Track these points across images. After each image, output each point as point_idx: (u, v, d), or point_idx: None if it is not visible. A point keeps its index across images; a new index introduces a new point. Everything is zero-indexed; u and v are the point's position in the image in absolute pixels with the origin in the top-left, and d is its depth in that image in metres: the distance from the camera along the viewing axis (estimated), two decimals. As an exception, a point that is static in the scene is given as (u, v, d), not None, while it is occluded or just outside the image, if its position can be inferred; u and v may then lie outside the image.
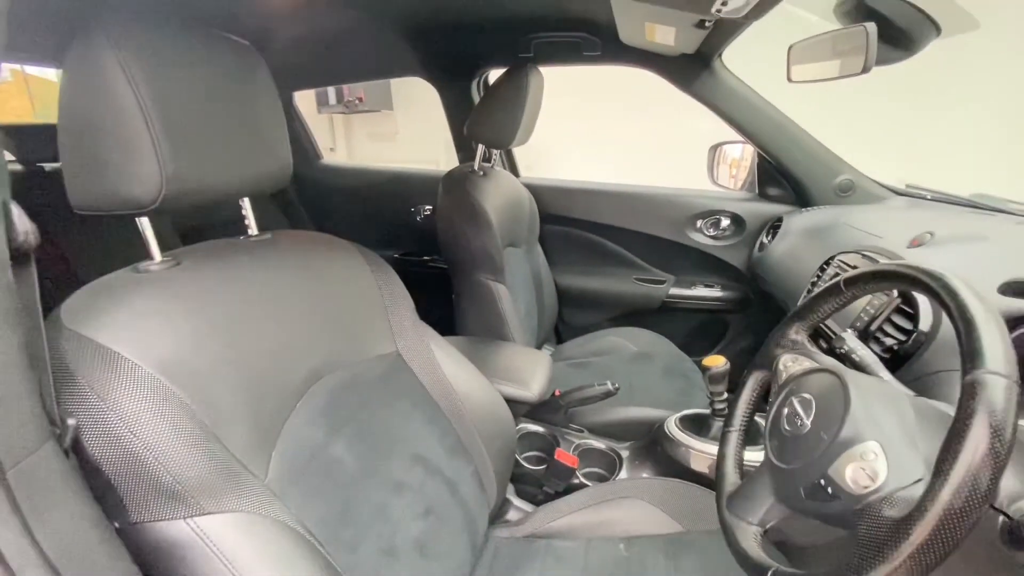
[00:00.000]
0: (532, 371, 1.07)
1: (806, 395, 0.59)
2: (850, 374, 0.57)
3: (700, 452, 0.97)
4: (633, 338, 1.63)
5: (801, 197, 1.51)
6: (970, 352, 0.42)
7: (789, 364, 0.69)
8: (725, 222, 1.64)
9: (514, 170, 1.89)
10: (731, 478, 0.70)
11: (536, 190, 1.67)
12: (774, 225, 1.51)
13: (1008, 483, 0.49)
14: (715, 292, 1.69)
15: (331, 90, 3.86)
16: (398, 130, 4.25)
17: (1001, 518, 0.48)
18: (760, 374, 0.75)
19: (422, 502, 0.75)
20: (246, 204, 0.71)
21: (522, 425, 1.14)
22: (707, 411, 1.05)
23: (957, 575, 0.51)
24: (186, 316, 0.53)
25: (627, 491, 0.94)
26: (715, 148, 1.71)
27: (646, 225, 1.69)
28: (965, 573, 0.51)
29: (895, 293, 0.85)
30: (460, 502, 0.83)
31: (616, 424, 1.17)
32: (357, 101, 3.92)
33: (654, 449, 1.05)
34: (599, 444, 1.11)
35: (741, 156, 1.65)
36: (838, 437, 0.51)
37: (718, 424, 1.00)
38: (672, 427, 1.03)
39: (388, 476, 0.72)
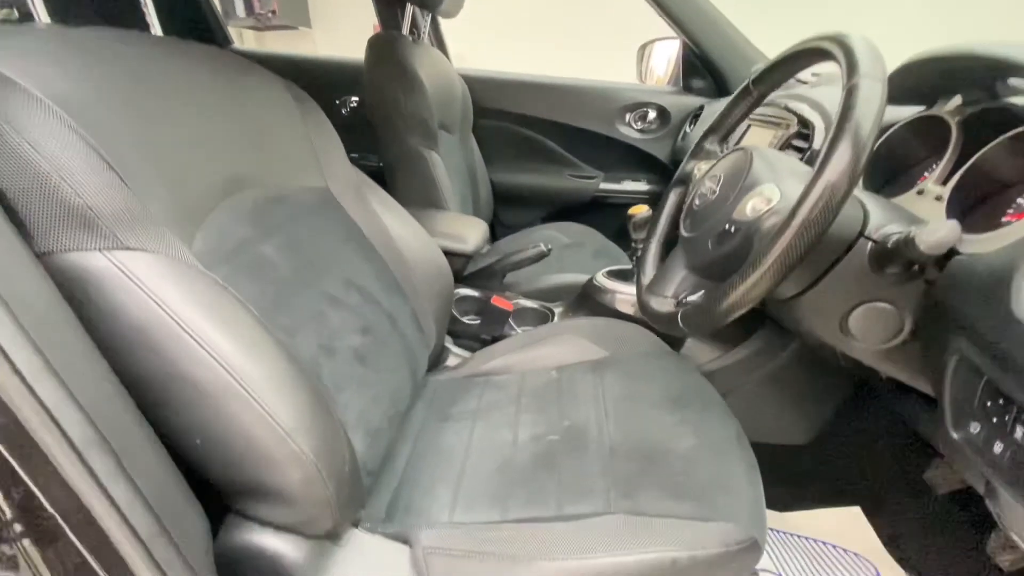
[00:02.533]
0: (468, 229, 1.08)
1: (715, 174, 0.65)
2: (755, 148, 0.63)
3: (626, 295, 1.04)
4: (565, 231, 1.68)
5: (721, 88, 1.58)
6: (848, 67, 0.47)
7: (703, 167, 0.74)
8: (651, 115, 1.70)
9: (445, 54, 1.83)
10: (650, 273, 0.76)
11: (469, 81, 1.64)
12: (695, 114, 1.59)
13: (876, 216, 0.57)
14: (641, 186, 1.77)
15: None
16: (317, 51, 3.95)
17: (870, 245, 0.56)
18: (680, 190, 0.81)
19: (360, 321, 0.76)
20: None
21: (458, 290, 1.16)
22: (631, 266, 1.12)
23: (838, 301, 0.60)
24: (86, 66, 0.49)
25: (559, 330, 0.99)
26: (644, 47, 1.74)
27: (577, 118, 1.72)
28: (845, 301, 0.59)
29: (793, 124, 0.93)
30: (400, 334, 0.85)
31: (549, 289, 1.23)
32: (270, 15, 3.58)
33: (584, 302, 1.11)
34: (532, 304, 1.16)
35: (667, 53, 1.70)
36: (741, 186, 0.57)
37: (642, 270, 1.07)
38: (600, 278, 1.09)
39: (322, 290, 0.71)
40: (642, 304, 0.71)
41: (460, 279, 1.19)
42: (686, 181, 0.79)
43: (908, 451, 0.97)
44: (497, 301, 1.03)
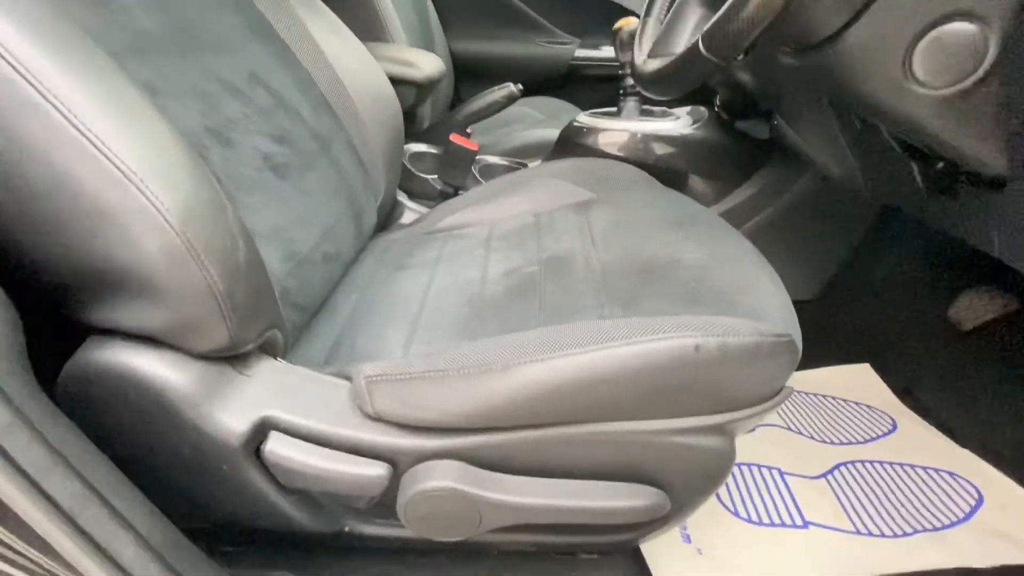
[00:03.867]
0: (418, 56, 0.89)
1: None
2: None
3: (614, 131, 0.88)
4: (538, 107, 1.49)
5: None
6: None
7: None
8: (633, -37, 1.47)
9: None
10: (647, 47, 0.60)
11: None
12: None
13: None
14: (622, 52, 1.56)
15: None
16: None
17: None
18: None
19: (271, 126, 0.58)
20: None
21: (410, 146, 0.98)
22: (615, 108, 0.96)
23: (902, 25, 0.44)
24: None
25: (534, 174, 0.83)
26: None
27: (548, -29, 1.49)
28: (911, 23, 0.44)
29: None
30: (333, 162, 0.67)
31: (521, 147, 1.06)
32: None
33: (564, 150, 0.95)
34: (502, 160, 0.99)
35: None
36: None
37: (630, 103, 0.91)
38: (582, 117, 0.92)
39: (210, 69, 0.53)
40: (640, 75, 0.55)
41: (412, 134, 1.01)
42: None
43: (929, 290, 0.87)
44: (458, 139, 0.86)
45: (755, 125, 0.90)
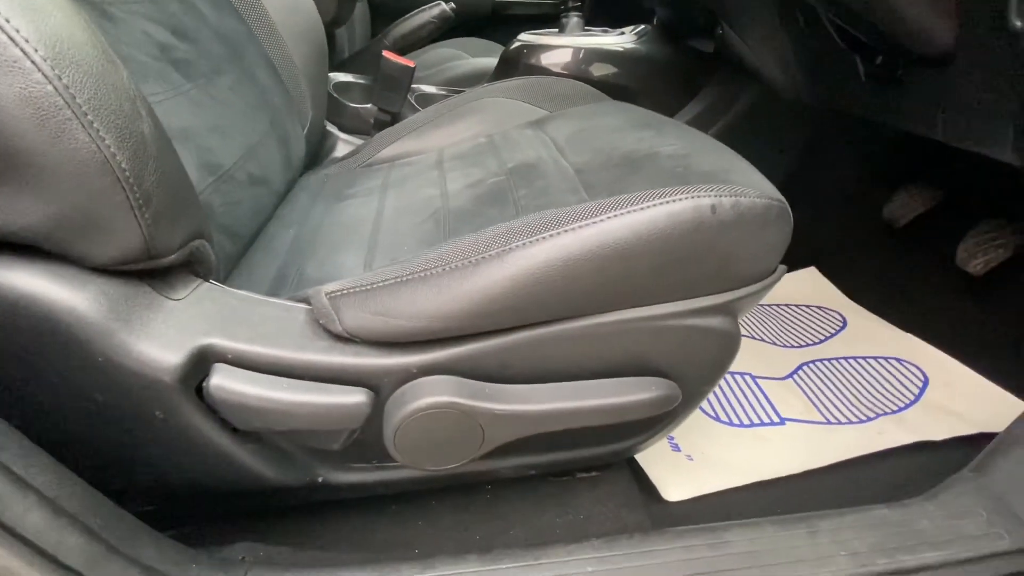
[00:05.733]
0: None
1: None
2: None
3: (556, 47, 0.83)
4: (465, 47, 1.40)
5: None
6: None
7: None
8: None
9: None
10: None
11: None
12: None
13: None
14: (549, -11, 1.51)
15: None
16: None
17: None
18: None
19: (163, 13, 0.47)
20: None
21: (332, 75, 0.87)
22: (556, 29, 0.90)
23: None
24: None
25: (480, 95, 0.76)
26: None
27: None
28: None
29: None
30: (248, 74, 0.57)
31: (460, 76, 0.98)
32: None
33: (507, 70, 0.88)
34: (440, 90, 0.90)
35: None
36: None
37: (573, 19, 0.86)
38: (524, 36, 0.86)
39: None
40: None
41: (333, 64, 0.90)
42: None
43: (864, 193, 0.91)
44: (392, 55, 0.76)
45: (699, 40, 0.88)
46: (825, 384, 0.73)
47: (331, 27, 0.83)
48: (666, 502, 0.54)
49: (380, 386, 0.37)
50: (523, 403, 0.38)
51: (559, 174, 0.52)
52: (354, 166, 0.73)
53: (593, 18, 0.87)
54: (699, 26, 0.85)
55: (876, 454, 0.62)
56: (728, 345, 0.42)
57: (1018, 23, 0.41)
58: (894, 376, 0.73)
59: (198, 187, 0.40)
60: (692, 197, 0.35)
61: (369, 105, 0.82)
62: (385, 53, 0.75)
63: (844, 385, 0.72)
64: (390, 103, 0.79)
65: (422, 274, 0.35)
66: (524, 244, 0.34)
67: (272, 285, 0.45)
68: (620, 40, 0.83)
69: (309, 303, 0.38)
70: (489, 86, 0.78)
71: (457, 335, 0.36)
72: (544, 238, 0.34)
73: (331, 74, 0.83)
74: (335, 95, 0.81)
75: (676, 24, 0.88)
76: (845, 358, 0.78)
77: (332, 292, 0.36)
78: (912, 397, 0.70)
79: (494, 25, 1.52)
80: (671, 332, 0.40)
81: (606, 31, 0.90)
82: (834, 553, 0.41)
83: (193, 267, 0.36)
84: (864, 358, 0.77)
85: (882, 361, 0.76)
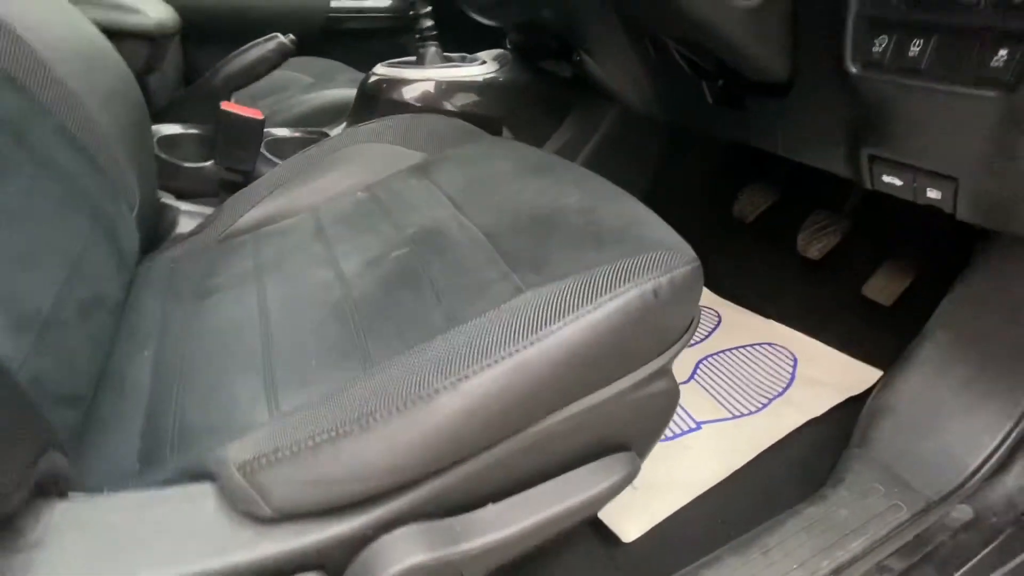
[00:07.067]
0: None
1: None
2: None
3: (418, 81, 0.77)
4: (304, 68, 1.26)
5: None
6: None
7: None
8: None
9: None
10: None
11: None
12: None
13: None
14: (384, 1, 1.42)
15: None
16: None
17: None
18: None
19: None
20: None
21: (158, 127, 0.71)
22: (412, 58, 0.85)
23: None
24: None
25: (345, 141, 0.68)
26: None
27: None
28: None
29: None
30: (42, 160, 0.43)
31: (313, 112, 0.87)
32: None
33: (368, 108, 0.81)
34: (293, 132, 0.80)
35: None
36: None
37: (431, 50, 0.81)
38: (381, 69, 0.79)
39: None
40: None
41: (156, 115, 0.74)
42: None
43: (715, 195, 1.01)
44: (233, 107, 0.64)
45: (557, 64, 0.89)
46: (720, 379, 0.80)
47: (143, 75, 0.68)
48: (626, 546, 0.55)
49: (331, 561, 0.30)
50: (499, 529, 0.34)
51: (469, 241, 0.49)
52: (208, 242, 0.61)
53: (443, 42, 0.83)
54: (554, 50, 0.87)
55: (779, 441, 0.70)
56: (671, 398, 0.43)
57: (853, 69, 0.47)
58: (771, 359, 0.83)
59: (14, 356, 0.29)
60: (637, 286, 0.34)
61: (209, 163, 0.69)
62: (224, 105, 0.63)
63: (736, 376, 0.80)
64: (239, 161, 0.67)
65: (363, 422, 0.29)
66: (481, 368, 0.30)
67: (144, 453, 0.35)
68: (483, 70, 0.81)
69: (211, 478, 0.30)
70: (355, 130, 0.70)
71: (412, 481, 0.31)
72: (502, 358, 0.30)
73: (153, 127, 0.68)
74: (163, 155, 0.66)
75: (530, 49, 0.88)
76: (729, 349, 0.86)
77: (244, 463, 0.29)
78: (789, 376, 0.80)
79: (328, 40, 1.40)
80: (623, 408, 0.39)
81: (464, 58, 0.87)
82: (788, 568, 0.45)
83: (41, 486, 0.26)
84: (744, 347, 0.86)
85: (758, 347, 0.86)
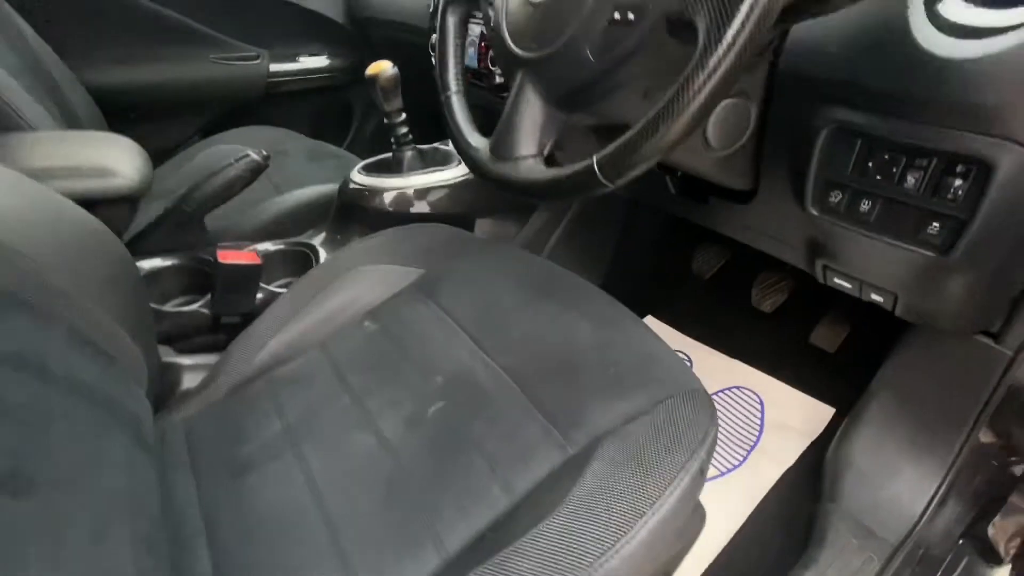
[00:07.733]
0: (106, 151, 0.60)
1: None
2: None
3: (401, 189, 0.79)
4: (250, 139, 1.22)
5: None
6: None
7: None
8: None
9: None
10: (477, 139, 0.54)
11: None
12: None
13: None
14: (322, 61, 1.39)
15: None
16: None
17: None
18: (459, 8, 0.57)
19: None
20: None
21: (142, 263, 0.68)
22: (389, 154, 0.86)
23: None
24: None
25: (340, 264, 0.69)
26: None
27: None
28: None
29: None
30: (48, 376, 0.42)
31: (287, 218, 0.86)
32: None
33: (348, 217, 0.81)
34: (279, 245, 0.79)
35: None
36: None
37: (409, 154, 0.83)
38: (358, 177, 0.80)
39: None
40: (498, 179, 0.50)
41: (129, 243, 0.70)
42: (467, -2, 0.56)
43: (675, 254, 1.11)
44: (228, 256, 0.63)
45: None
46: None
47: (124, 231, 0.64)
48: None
49: None
50: None
51: (500, 389, 0.52)
52: (219, 395, 0.60)
53: (417, 132, 0.85)
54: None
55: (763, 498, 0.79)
56: (701, 522, 0.50)
57: (813, 211, 0.55)
58: (741, 405, 0.93)
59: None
60: (686, 474, 0.40)
61: (196, 307, 0.67)
62: (221, 256, 0.61)
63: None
64: (238, 306, 0.65)
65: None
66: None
67: None
68: (457, 172, 0.83)
69: None
70: (347, 252, 0.71)
71: None
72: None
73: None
74: (154, 305, 0.64)
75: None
76: (705, 397, 0.95)
77: None
78: (759, 422, 0.90)
79: (269, 104, 1.36)
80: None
81: (437, 150, 0.89)
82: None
83: None
84: (717, 393, 0.96)
85: (729, 392, 0.96)
